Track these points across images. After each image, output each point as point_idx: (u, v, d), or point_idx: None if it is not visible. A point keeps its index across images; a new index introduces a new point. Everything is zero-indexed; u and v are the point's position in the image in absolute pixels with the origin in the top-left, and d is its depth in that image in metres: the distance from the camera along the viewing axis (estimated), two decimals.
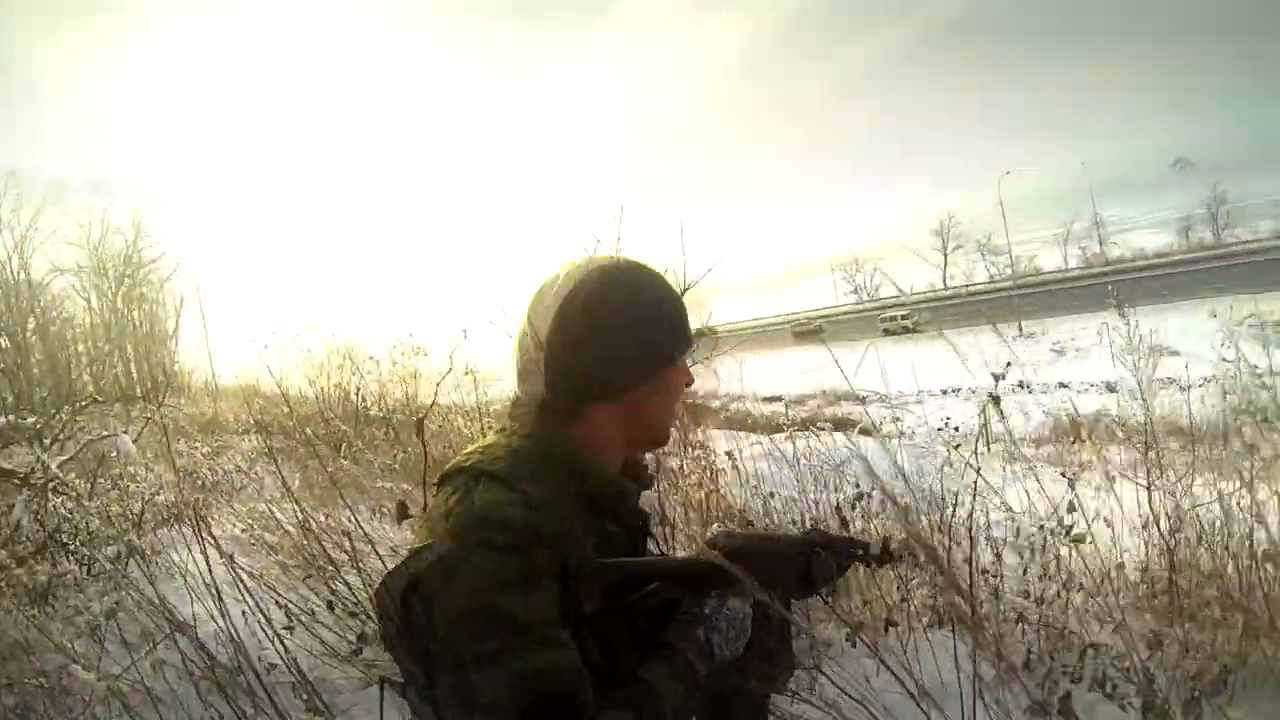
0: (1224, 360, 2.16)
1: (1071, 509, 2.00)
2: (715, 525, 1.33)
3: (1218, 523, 1.92)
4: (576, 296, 0.94)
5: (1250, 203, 50.57)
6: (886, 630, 1.99)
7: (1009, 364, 1.78)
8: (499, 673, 0.76)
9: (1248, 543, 1.82)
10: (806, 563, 1.02)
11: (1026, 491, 2.24)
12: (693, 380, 1.08)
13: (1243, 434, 1.94)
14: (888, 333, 40.03)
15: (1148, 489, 2.06)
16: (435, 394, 2.42)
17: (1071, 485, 2.05)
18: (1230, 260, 39.38)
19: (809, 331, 44.08)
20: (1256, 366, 2.14)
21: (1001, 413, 1.70)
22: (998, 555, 2.16)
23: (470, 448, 0.97)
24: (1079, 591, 2.05)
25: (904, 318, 41.59)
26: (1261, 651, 1.69)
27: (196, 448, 5.04)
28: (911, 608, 2.13)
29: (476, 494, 0.85)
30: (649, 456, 1.59)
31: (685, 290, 2.20)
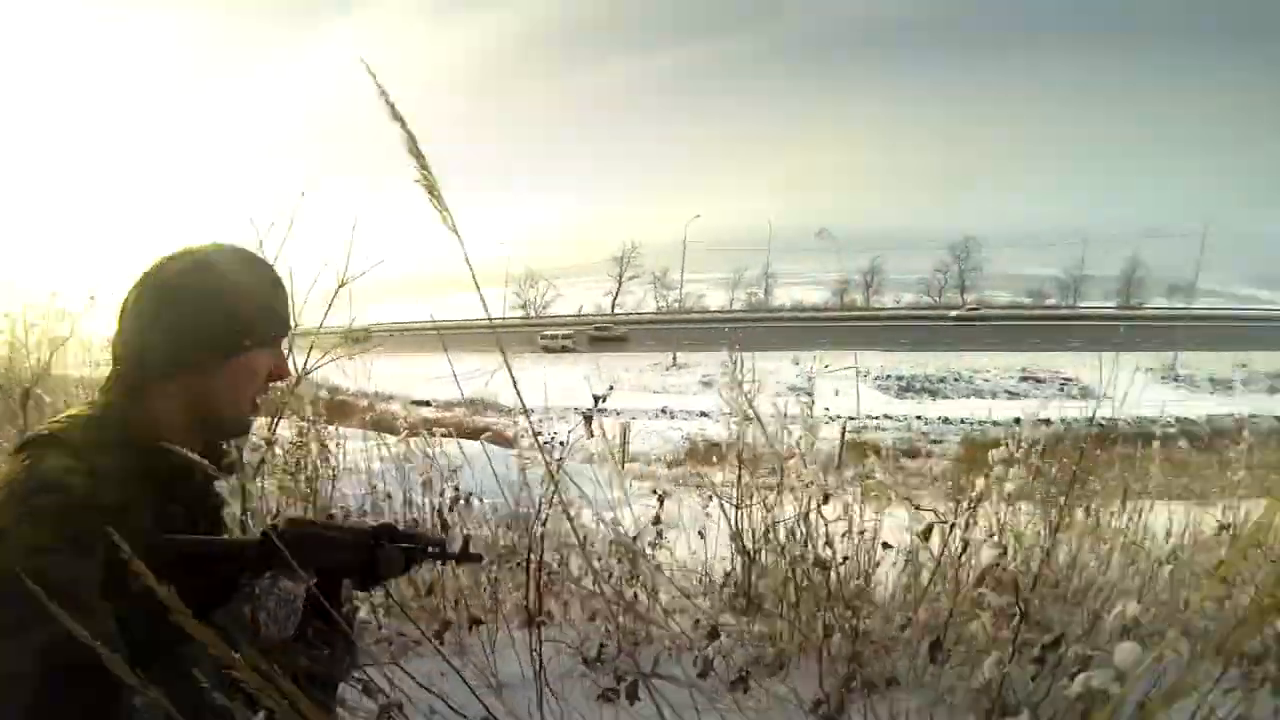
0: (804, 398, 2.49)
1: (657, 521, 2.25)
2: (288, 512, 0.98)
3: (795, 534, 2.19)
4: (150, 278, 0.98)
5: (902, 276, 60.60)
6: (472, 629, 2.07)
7: (611, 387, 1.98)
8: (27, 640, 0.76)
9: (806, 552, 2.11)
10: (371, 554, 1.04)
11: (630, 506, 2.44)
12: (281, 373, 1.09)
13: (806, 463, 2.23)
14: (547, 350, 42.72)
15: (735, 507, 2.34)
16: (50, 360, 2.33)
17: (661, 501, 2.31)
18: (873, 321, 48.45)
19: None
20: (826, 409, 2.57)
21: (591, 431, 1.89)
22: (598, 561, 2.33)
23: (57, 416, 0.99)
24: (664, 594, 2.27)
25: (564, 337, 44.29)
26: (817, 636, 1.99)
27: None
28: (503, 609, 2.27)
29: (45, 459, 0.87)
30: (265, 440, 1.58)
31: (342, 285, 2.22)
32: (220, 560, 0.99)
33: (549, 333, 46.65)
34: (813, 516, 2.10)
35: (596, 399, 1.89)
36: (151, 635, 0.80)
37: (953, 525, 1.92)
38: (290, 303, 1.13)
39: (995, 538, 1.78)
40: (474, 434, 3.06)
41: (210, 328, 0.98)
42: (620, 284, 61.25)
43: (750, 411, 2.32)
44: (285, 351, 1.16)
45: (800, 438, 2.19)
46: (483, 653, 1.99)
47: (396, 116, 0.82)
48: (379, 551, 1.04)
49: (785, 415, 2.27)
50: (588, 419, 1.87)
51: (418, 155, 0.83)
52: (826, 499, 2.02)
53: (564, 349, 43.23)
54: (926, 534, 1.94)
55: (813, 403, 2.36)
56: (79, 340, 2.41)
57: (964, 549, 1.82)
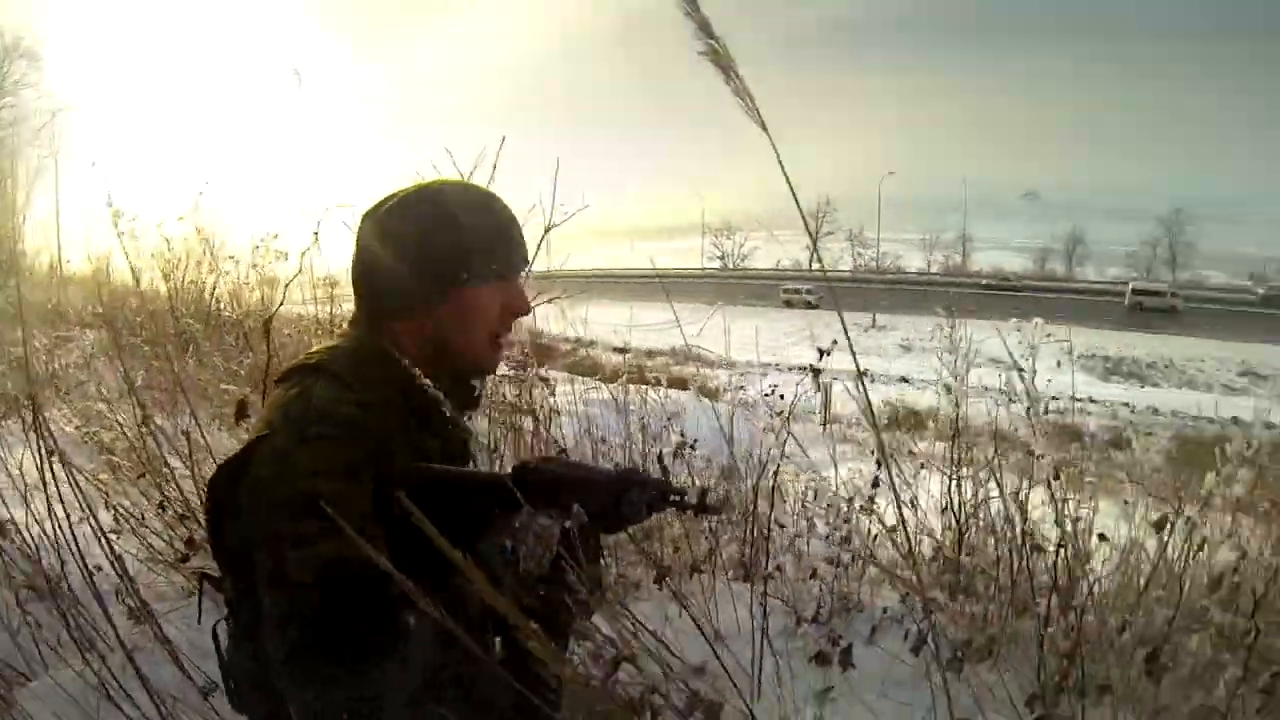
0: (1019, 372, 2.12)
1: (875, 484, 2.34)
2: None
3: (1005, 514, 2.08)
4: (379, 213, 1.09)
5: (1106, 247, 60.24)
6: (691, 576, 2.21)
7: (834, 341, 2.00)
8: (312, 553, 0.89)
9: (1024, 534, 1.99)
10: (617, 499, 1.11)
11: (836, 469, 2.63)
12: (519, 310, 1.16)
13: (1022, 439, 2.07)
14: (788, 304, 43.37)
15: (950, 478, 2.33)
16: (284, 294, 2.33)
17: (879, 465, 2.30)
18: (1075, 294, 46.87)
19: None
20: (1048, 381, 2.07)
21: (819, 385, 1.96)
22: (809, 520, 2.48)
23: (314, 349, 1.10)
24: (872, 562, 2.32)
25: (808, 292, 44.42)
26: (1026, 625, 1.96)
27: (35, 338, 4.45)
28: (720, 559, 2.41)
29: (315, 389, 0.99)
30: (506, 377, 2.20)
31: (548, 229, 2.25)
32: (474, 493, 1.06)
33: (791, 285, 47.54)
34: (1028, 497, 2.04)
35: (821, 353, 1.97)
36: (411, 563, 0.84)
37: (1173, 525, 1.81)
38: (524, 241, 1.17)
39: (1229, 541, 1.66)
40: (677, 384, 3.19)
41: (432, 260, 1.05)
42: (816, 241, 62.38)
43: (959, 382, 2.28)
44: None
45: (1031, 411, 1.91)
46: (702, 601, 2.08)
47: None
48: (624, 497, 1.11)
49: (1008, 389, 2.00)
50: (815, 372, 1.96)
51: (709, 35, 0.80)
52: (1058, 475, 1.89)
53: (808, 305, 42.69)
54: (1160, 526, 1.83)
55: (1033, 376, 2.06)
56: (295, 274, 2.37)
57: (1200, 547, 1.72)
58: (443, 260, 1.07)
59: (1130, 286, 45.00)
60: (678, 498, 1.19)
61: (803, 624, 2.11)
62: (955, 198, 59.32)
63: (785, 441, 1.96)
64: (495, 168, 2.28)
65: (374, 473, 0.97)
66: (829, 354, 2.01)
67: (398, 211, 1.09)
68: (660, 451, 2.32)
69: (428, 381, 1.01)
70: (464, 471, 1.17)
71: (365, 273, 1.11)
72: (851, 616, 2.19)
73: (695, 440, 2.54)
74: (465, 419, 1.21)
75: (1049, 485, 1.93)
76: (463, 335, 1.12)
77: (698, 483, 2.51)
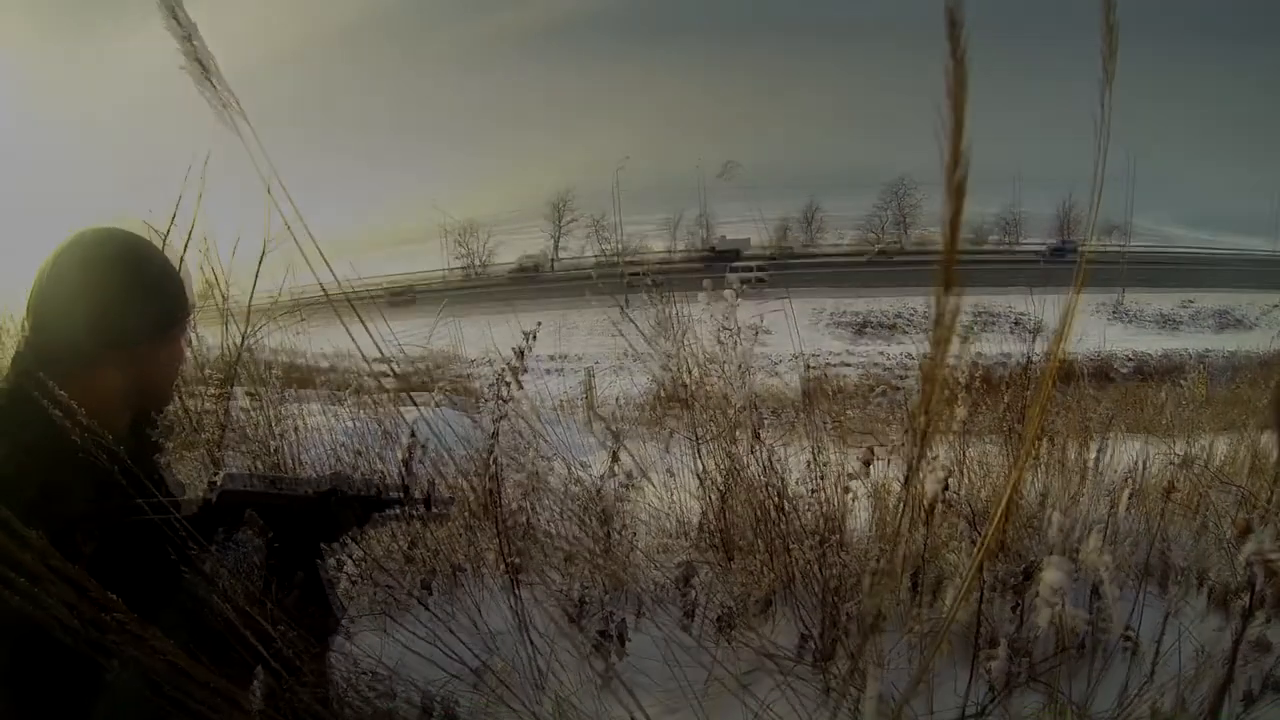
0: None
1: (615, 459, 2.48)
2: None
3: (762, 473, 2.19)
4: (79, 260, 1.13)
5: (838, 214, 63.96)
6: (456, 578, 2.31)
7: (539, 323, 2.15)
8: None
9: (777, 494, 2.14)
10: (323, 510, 1.18)
11: (604, 452, 2.66)
12: (183, 356, 1.28)
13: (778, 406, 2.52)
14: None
15: (695, 446, 2.45)
16: None
17: (615, 438, 2.54)
18: (816, 264, 51.58)
19: (404, 301, 42.84)
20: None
21: (519, 382, 1.97)
22: (571, 506, 2.55)
23: None
24: (642, 539, 2.53)
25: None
26: (800, 581, 2.07)
27: None
28: (488, 559, 2.48)
29: None
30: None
31: (263, 255, 2.28)
32: (170, 520, 1.08)
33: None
34: (779, 453, 2.21)
35: (527, 335, 2.04)
36: (112, 600, 0.89)
37: (888, 461, 2.13)
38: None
39: (950, 470, 1.86)
40: (441, 388, 3.31)
41: (152, 310, 1.15)
42: (560, 231, 64.38)
43: (677, 352, 2.49)
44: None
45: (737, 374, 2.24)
46: (471, 605, 2.16)
47: None
48: (336, 506, 1.20)
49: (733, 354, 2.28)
50: (514, 371, 2.00)
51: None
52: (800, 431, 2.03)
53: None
54: (866, 465, 2.06)
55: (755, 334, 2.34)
56: None
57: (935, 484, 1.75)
58: (161, 309, 1.19)
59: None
60: (399, 498, 1.30)
61: (567, 616, 2.21)
62: (693, 182, 60.16)
63: (496, 432, 2.05)
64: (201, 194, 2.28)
65: (47, 517, 0.94)
66: (534, 336, 2.09)
67: (103, 261, 1.15)
68: (402, 457, 2.31)
69: (95, 431, 1.03)
70: (151, 504, 1.13)
71: (60, 318, 1.13)
72: (625, 599, 2.30)
73: (431, 441, 2.53)
74: (158, 454, 1.30)
75: (817, 443, 2.22)
76: (169, 377, 1.25)
77: (458, 485, 2.56)
